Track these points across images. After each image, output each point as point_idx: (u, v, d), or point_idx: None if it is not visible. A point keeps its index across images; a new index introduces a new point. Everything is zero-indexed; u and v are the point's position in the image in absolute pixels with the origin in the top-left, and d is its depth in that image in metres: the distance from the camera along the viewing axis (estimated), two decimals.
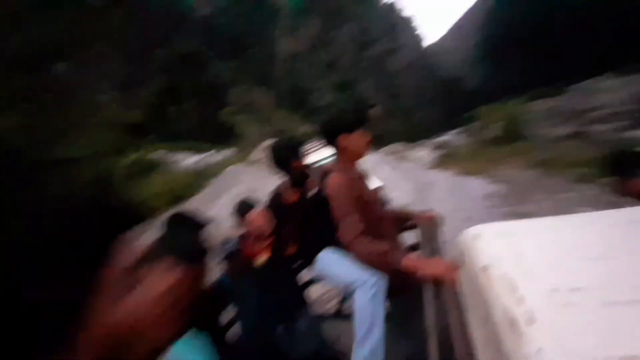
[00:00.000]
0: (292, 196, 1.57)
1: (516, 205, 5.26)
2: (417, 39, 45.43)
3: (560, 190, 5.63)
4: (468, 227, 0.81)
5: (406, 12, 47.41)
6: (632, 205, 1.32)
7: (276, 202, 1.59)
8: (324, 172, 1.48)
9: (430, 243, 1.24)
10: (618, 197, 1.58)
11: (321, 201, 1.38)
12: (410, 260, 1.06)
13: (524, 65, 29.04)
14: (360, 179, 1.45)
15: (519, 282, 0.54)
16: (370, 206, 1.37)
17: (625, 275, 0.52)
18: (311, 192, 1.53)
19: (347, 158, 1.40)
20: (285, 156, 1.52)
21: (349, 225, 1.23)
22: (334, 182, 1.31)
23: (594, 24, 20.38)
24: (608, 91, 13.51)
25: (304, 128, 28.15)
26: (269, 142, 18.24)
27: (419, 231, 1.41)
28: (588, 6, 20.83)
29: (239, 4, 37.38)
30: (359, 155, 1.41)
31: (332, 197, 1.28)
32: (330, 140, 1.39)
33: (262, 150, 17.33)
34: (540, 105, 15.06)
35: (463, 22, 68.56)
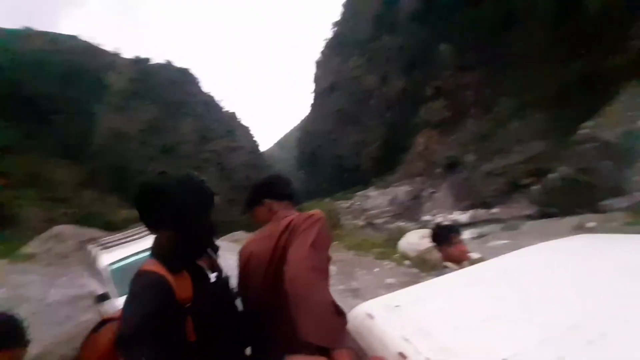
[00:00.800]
0: (184, 289, 0.84)
1: (347, 282, 6.00)
2: (253, 144, 52.64)
3: (372, 266, 6.88)
4: None
5: (244, 122, 55.43)
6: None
7: (165, 304, 0.77)
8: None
9: None
10: (443, 262, 1.77)
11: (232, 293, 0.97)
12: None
13: (327, 175, 39.51)
14: None
15: None
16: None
17: (534, 326, 0.56)
18: (212, 277, 0.94)
19: None
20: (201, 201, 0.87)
21: (324, 263, 0.91)
22: (321, 214, 1.00)
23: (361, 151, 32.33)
24: (375, 198, 20.70)
25: (122, 213, 23.43)
26: (61, 229, 13.01)
27: None
28: (361, 141, 33.07)
29: (42, 64, 31.30)
30: None
31: (315, 225, 0.94)
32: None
33: (46, 239, 12.45)
34: (343, 204, 20.65)
35: (287, 138, 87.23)
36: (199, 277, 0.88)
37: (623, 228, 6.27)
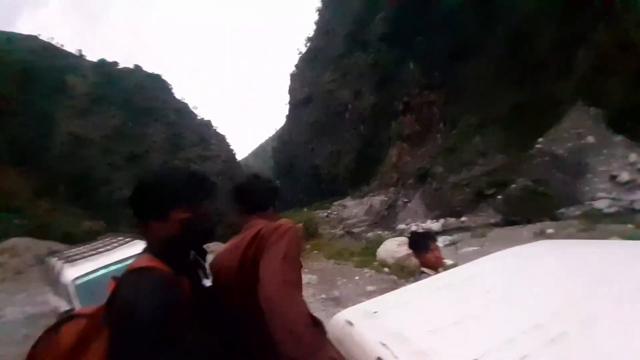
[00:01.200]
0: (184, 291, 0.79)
1: (328, 291, 6.00)
2: (229, 153, 51.46)
3: (352, 275, 6.93)
4: None
5: (220, 130, 54.21)
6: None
7: (180, 304, 0.70)
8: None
9: None
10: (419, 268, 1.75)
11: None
12: None
13: (304, 185, 39.52)
14: None
15: None
16: None
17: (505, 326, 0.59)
18: (206, 283, 0.92)
19: None
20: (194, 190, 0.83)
21: (296, 275, 0.87)
22: (295, 228, 0.96)
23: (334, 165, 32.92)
24: (352, 207, 21.04)
25: (84, 225, 21.70)
26: (15, 242, 11.96)
27: None
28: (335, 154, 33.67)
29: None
30: None
31: (285, 237, 0.90)
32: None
33: None
34: (321, 214, 20.74)
35: (263, 148, 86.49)
36: (195, 281, 0.82)
37: (578, 234, 6.88)
